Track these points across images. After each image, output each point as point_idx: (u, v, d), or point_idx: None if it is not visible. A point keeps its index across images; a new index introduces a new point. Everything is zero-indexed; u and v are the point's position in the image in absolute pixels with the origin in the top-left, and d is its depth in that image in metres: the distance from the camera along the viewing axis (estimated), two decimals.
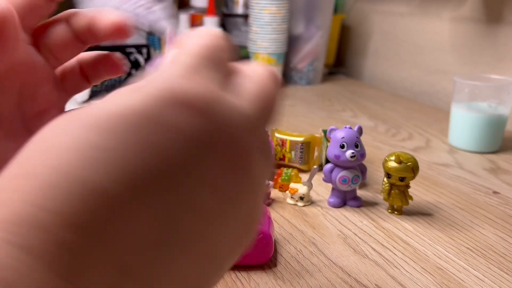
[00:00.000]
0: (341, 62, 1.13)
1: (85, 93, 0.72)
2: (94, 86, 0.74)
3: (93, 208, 0.13)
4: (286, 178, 0.46)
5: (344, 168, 0.41)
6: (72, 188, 0.14)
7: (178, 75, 0.16)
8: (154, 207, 0.14)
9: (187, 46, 0.18)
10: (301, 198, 0.43)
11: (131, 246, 0.14)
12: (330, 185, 0.44)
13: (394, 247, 0.36)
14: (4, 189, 0.14)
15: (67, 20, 0.26)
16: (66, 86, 0.28)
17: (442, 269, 0.33)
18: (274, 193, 0.45)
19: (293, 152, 0.50)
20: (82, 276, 0.13)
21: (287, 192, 0.44)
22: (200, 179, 0.15)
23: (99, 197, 0.14)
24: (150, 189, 0.14)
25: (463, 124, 0.59)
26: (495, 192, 0.47)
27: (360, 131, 0.42)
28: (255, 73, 0.19)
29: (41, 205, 0.13)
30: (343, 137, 0.40)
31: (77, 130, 0.15)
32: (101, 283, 0.13)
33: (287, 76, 0.98)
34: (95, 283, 0.13)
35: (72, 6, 1.04)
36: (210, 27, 0.94)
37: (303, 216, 0.41)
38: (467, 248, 0.36)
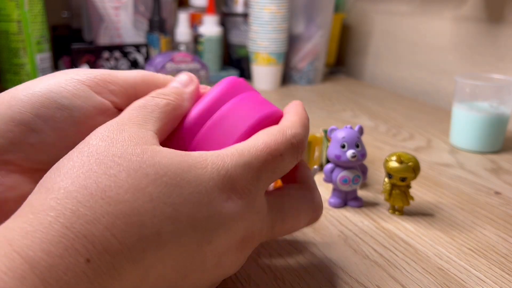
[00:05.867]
0: (341, 61, 1.13)
1: None
2: None
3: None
4: None
5: (345, 168, 0.41)
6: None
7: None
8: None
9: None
10: None
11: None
12: (330, 185, 0.44)
13: (395, 248, 0.36)
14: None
15: None
16: None
17: (443, 270, 0.33)
18: None
19: None
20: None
21: None
22: None
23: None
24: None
25: (464, 124, 0.59)
26: (496, 193, 0.47)
27: (361, 131, 0.42)
28: None
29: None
30: (343, 137, 0.40)
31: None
32: None
33: (287, 76, 0.98)
34: None
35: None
36: (210, 26, 0.93)
37: None
38: (468, 248, 0.36)
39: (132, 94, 0.28)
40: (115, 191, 0.20)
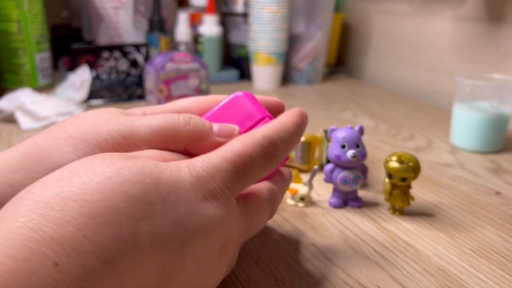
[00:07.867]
0: (341, 61, 1.13)
1: (83, 94, 0.72)
2: (93, 86, 0.74)
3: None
4: None
5: (345, 168, 0.41)
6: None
7: None
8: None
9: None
10: (302, 199, 0.43)
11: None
12: (331, 186, 0.44)
13: (395, 248, 0.36)
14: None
15: None
16: None
17: (443, 270, 0.33)
18: None
19: (294, 152, 0.50)
20: None
21: (288, 192, 0.44)
22: None
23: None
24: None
25: (465, 124, 0.58)
26: (497, 193, 0.47)
27: (361, 131, 0.41)
28: None
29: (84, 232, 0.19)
30: (344, 137, 0.40)
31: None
32: None
33: (287, 76, 0.98)
34: None
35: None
36: (210, 26, 0.93)
37: (304, 217, 0.41)
38: (469, 249, 0.36)
39: None
40: (88, 193, 0.20)
